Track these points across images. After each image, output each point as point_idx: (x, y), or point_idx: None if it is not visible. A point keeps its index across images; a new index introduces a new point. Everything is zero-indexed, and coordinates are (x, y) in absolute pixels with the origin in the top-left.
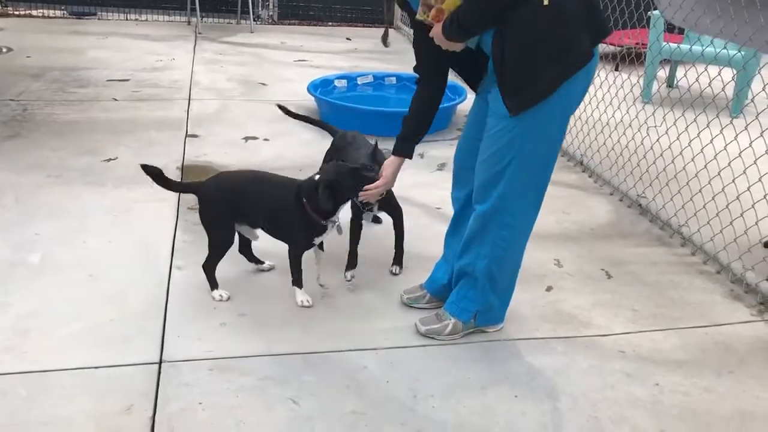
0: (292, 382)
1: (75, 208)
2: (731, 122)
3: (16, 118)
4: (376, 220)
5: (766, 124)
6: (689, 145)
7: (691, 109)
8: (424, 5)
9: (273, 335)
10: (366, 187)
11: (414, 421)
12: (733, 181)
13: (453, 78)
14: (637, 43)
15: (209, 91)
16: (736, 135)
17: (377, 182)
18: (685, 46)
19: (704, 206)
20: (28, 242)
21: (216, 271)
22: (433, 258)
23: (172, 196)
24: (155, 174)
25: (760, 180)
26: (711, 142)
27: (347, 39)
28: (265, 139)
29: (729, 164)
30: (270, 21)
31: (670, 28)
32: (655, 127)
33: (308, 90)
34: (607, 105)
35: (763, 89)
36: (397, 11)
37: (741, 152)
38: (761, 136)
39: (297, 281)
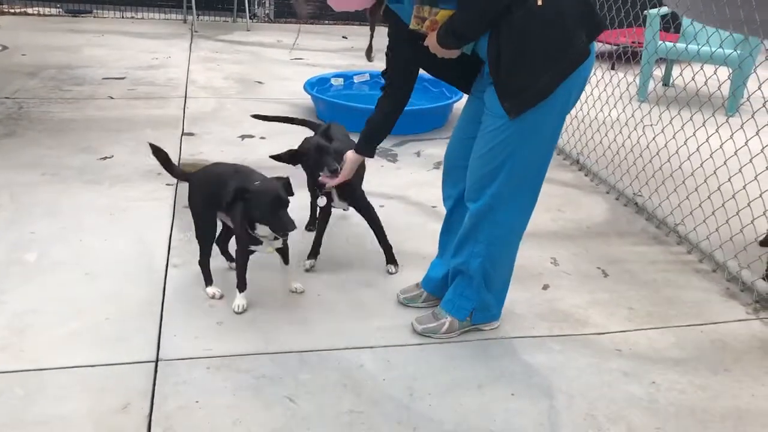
0: (289, 380)
1: (71, 206)
2: (727, 121)
3: (11, 116)
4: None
5: (761, 122)
6: (685, 144)
7: (686, 107)
8: (417, 17)
9: (269, 334)
10: (323, 179)
11: (411, 420)
12: (729, 179)
13: None
14: (633, 42)
15: (205, 90)
16: (732, 134)
17: (336, 178)
18: (681, 45)
19: (700, 205)
20: (24, 241)
21: (213, 270)
22: (429, 256)
23: (169, 194)
24: (163, 157)
25: (755, 178)
26: (707, 140)
27: (343, 37)
28: (262, 138)
29: (725, 163)
30: (266, 19)
31: (665, 27)
32: (651, 125)
33: (305, 88)
34: (603, 104)
35: (759, 88)
36: None
37: (737, 151)
38: (757, 134)
39: (238, 284)
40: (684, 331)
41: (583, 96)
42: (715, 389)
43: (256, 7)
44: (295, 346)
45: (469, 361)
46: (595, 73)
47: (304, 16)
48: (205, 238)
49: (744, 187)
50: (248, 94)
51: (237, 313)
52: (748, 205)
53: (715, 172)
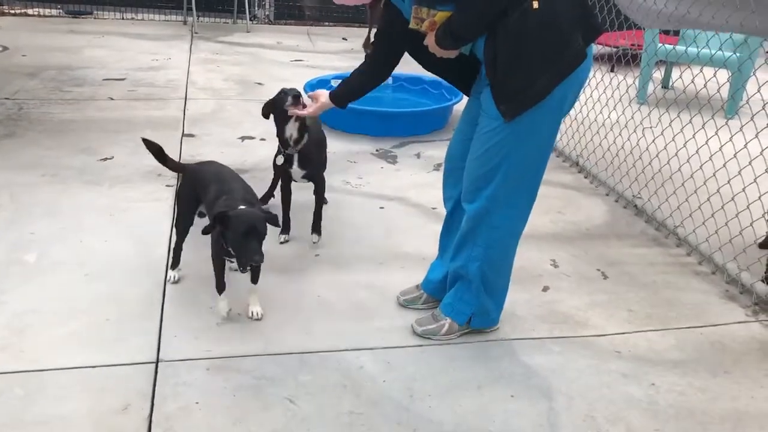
0: (289, 381)
1: (71, 207)
2: (726, 123)
3: (11, 116)
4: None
5: (761, 125)
6: (684, 147)
7: (686, 110)
8: (417, 18)
9: (269, 335)
10: (289, 108)
11: (410, 421)
12: (729, 182)
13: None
14: (632, 45)
15: (205, 91)
16: (732, 136)
17: (305, 110)
18: (680, 48)
19: (699, 207)
20: (24, 241)
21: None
22: (429, 258)
23: (168, 195)
24: (156, 150)
25: (755, 181)
26: (706, 143)
27: (343, 39)
28: (262, 139)
29: (724, 165)
30: (266, 21)
31: (665, 30)
32: (651, 128)
33: (304, 90)
34: (603, 106)
35: (758, 91)
36: None
37: (736, 153)
38: (756, 137)
39: (216, 286)
40: (683, 333)
41: (582, 98)
42: (714, 391)
43: (256, 8)
44: (295, 347)
45: (468, 362)
46: (594, 75)
47: (373, 25)
48: (180, 228)
49: (743, 190)
50: (248, 96)
51: (223, 316)
52: (748, 207)
53: (714, 175)
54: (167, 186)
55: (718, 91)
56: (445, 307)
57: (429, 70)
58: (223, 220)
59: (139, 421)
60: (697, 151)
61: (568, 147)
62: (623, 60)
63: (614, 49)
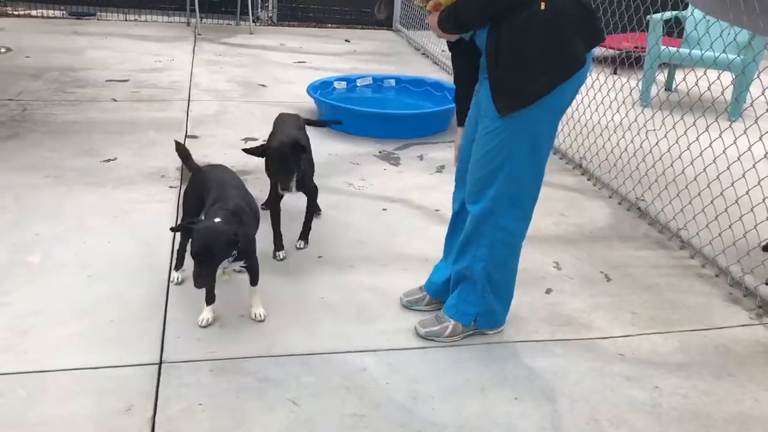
0: (292, 383)
1: (74, 208)
2: (730, 126)
3: (15, 118)
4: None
5: (764, 127)
6: (688, 149)
7: (689, 112)
8: None
9: (272, 336)
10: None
11: (413, 423)
12: (732, 184)
13: (452, 80)
14: (635, 47)
15: (209, 92)
16: (735, 139)
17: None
18: (683, 50)
19: (703, 210)
20: (28, 242)
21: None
22: (432, 260)
23: (172, 197)
24: (183, 152)
25: (759, 184)
26: (710, 145)
27: (346, 41)
28: (265, 141)
29: (728, 168)
30: (269, 22)
31: (668, 32)
32: (654, 130)
33: (308, 92)
34: (606, 108)
35: (762, 93)
36: (396, 13)
37: (740, 156)
38: (760, 140)
39: (206, 297)
40: (687, 335)
41: (585, 100)
42: (718, 394)
43: (259, 10)
44: (298, 349)
45: (472, 364)
46: (597, 78)
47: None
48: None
49: (747, 192)
50: (251, 97)
51: (201, 326)
52: (751, 210)
53: (718, 177)
54: (170, 187)
55: (722, 94)
56: (449, 309)
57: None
58: (187, 232)
59: (142, 422)
60: (700, 154)
61: (572, 149)
62: (626, 62)
63: (617, 52)
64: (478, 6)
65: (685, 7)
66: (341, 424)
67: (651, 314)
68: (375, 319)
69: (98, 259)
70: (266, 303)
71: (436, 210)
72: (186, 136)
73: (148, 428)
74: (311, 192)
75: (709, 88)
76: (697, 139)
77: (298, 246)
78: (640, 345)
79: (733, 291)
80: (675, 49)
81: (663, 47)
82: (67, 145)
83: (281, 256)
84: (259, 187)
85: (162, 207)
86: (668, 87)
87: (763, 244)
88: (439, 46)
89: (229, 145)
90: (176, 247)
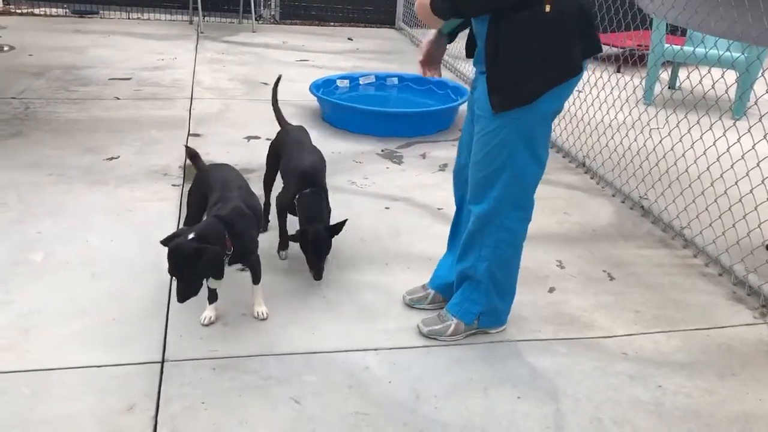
0: (295, 381)
1: (77, 206)
2: (734, 124)
3: (17, 116)
4: None
5: None
6: (692, 147)
7: (693, 111)
8: None
9: (275, 335)
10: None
11: (416, 422)
12: (736, 183)
13: (456, 79)
14: (639, 45)
15: (211, 91)
16: (739, 137)
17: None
18: (687, 48)
19: (707, 208)
20: (31, 241)
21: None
22: (435, 258)
23: (174, 195)
24: (191, 154)
25: (763, 182)
26: (714, 144)
27: (349, 39)
28: (268, 139)
29: (732, 166)
30: (272, 21)
31: (672, 30)
32: (658, 128)
33: (310, 90)
34: (610, 106)
35: (767, 91)
36: (399, 11)
37: (744, 155)
38: (764, 138)
39: (208, 295)
40: (690, 334)
41: (589, 99)
42: (721, 393)
43: (261, 8)
44: (301, 348)
45: (474, 363)
46: (601, 76)
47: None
48: (187, 225)
49: (751, 191)
50: (254, 96)
51: (203, 325)
52: (755, 209)
53: (721, 176)
54: (173, 185)
55: (726, 92)
56: (452, 307)
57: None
58: (165, 243)
59: (145, 420)
60: (704, 153)
61: (575, 147)
62: (630, 60)
63: (621, 50)
64: None
65: None
66: (343, 422)
67: (654, 313)
68: (377, 318)
69: (101, 258)
70: (268, 301)
71: (439, 208)
72: (189, 134)
73: (151, 427)
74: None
75: (713, 87)
76: (700, 138)
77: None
78: (643, 344)
79: (736, 290)
80: (679, 47)
81: (666, 45)
82: (69, 143)
83: (283, 256)
84: (262, 186)
85: (165, 205)
86: (672, 85)
87: (767, 243)
88: None
89: (232, 143)
90: None
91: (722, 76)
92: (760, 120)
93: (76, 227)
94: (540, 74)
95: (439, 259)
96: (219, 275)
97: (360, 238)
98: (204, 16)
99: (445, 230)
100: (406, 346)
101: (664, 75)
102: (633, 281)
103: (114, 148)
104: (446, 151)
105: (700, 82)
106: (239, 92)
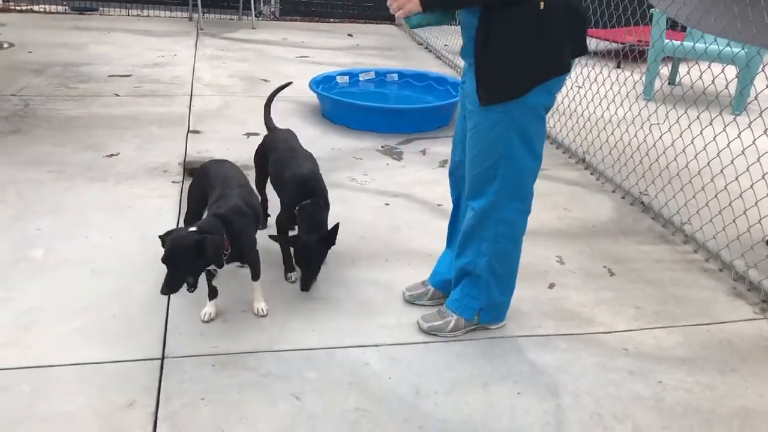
0: (295, 378)
1: (77, 203)
2: (734, 120)
3: (17, 113)
4: None
5: None
6: (692, 143)
7: (693, 106)
8: None
9: (275, 331)
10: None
11: (416, 418)
12: (736, 178)
13: (455, 75)
14: (639, 41)
15: (211, 87)
16: (739, 133)
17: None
18: (687, 44)
19: (707, 204)
20: (31, 238)
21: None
22: (435, 254)
23: (174, 191)
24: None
25: (763, 178)
26: (714, 139)
27: (349, 35)
28: None
29: (732, 162)
30: (271, 17)
31: (672, 26)
32: (658, 124)
33: (310, 86)
34: (610, 102)
35: (767, 86)
36: None
37: (744, 150)
38: (764, 133)
39: (208, 292)
40: (690, 330)
41: (589, 94)
42: (721, 389)
43: (261, 5)
44: (301, 344)
45: (474, 359)
46: (601, 72)
47: None
48: (188, 224)
49: (751, 186)
50: (254, 92)
51: (203, 321)
52: (756, 204)
53: (722, 171)
54: (173, 182)
55: (726, 88)
56: (451, 303)
57: None
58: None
59: (145, 417)
60: (704, 148)
61: (575, 143)
62: (630, 56)
63: (621, 45)
64: None
65: None
66: (344, 418)
67: (654, 309)
68: (377, 314)
69: (100, 255)
70: (268, 298)
71: (439, 204)
72: (188, 131)
73: (151, 423)
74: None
75: (713, 82)
76: (700, 133)
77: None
78: (643, 339)
79: (737, 285)
80: (679, 42)
81: (667, 41)
82: (69, 140)
83: (293, 279)
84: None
85: (164, 202)
86: (672, 81)
87: (767, 238)
88: (442, 40)
89: (232, 140)
90: None
91: (722, 72)
92: (760, 115)
93: (75, 224)
94: (528, 70)
95: (439, 255)
96: (219, 265)
97: (360, 235)
98: (204, 12)
99: (445, 226)
100: (406, 342)
101: (664, 70)
102: (633, 277)
103: (114, 145)
104: (446, 147)
105: (700, 78)
106: (239, 89)
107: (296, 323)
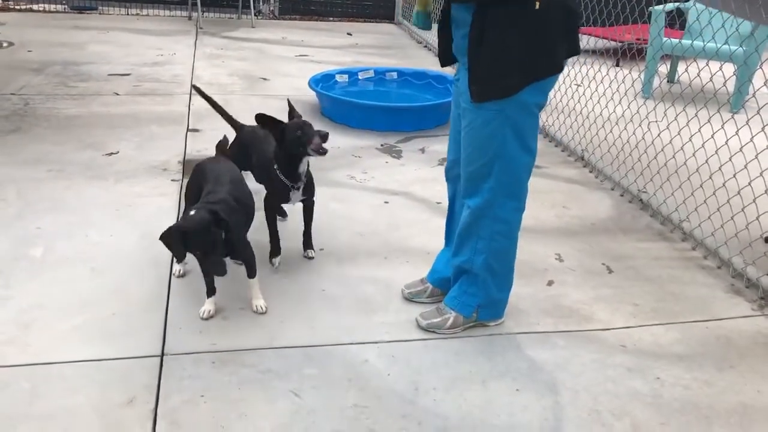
0: (294, 375)
1: (77, 202)
2: (732, 117)
3: (17, 112)
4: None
5: (767, 118)
6: (690, 141)
7: (692, 104)
8: None
9: (274, 328)
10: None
11: (415, 414)
12: (734, 176)
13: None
14: (638, 39)
15: (210, 86)
16: (737, 130)
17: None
18: (686, 42)
19: (705, 201)
20: (30, 236)
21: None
22: (434, 252)
23: (174, 190)
24: (220, 145)
25: (761, 175)
26: (712, 137)
27: (348, 34)
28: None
29: (730, 159)
30: (271, 16)
31: (670, 24)
32: (656, 122)
33: (309, 85)
34: (608, 100)
35: (765, 84)
36: (398, 6)
37: (742, 147)
38: (762, 131)
39: (207, 289)
40: (689, 327)
41: (588, 92)
42: (719, 385)
43: (260, 3)
44: (300, 341)
45: (473, 356)
46: (600, 70)
47: None
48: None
49: (749, 184)
50: (253, 91)
51: (203, 319)
52: (754, 201)
53: (720, 169)
54: (172, 180)
55: (724, 85)
56: (450, 301)
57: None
58: (166, 235)
59: (145, 414)
60: (702, 145)
61: (574, 141)
62: (628, 54)
63: (619, 44)
64: None
65: None
66: (343, 415)
67: (653, 306)
68: (376, 312)
69: (100, 253)
70: (267, 295)
71: (438, 202)
72: (188, 129)
73: (150, 420)
74: (313, 200)
75: (711, 80)
76: (699, 131)
77: (310, 256)
78: (641, 336)
79: (735, 282)
80: (677, 40)
81: (665, 39)
82: (69, 139)
83: (276, 263)
84: None
85: (164, 200)
86: (670, 79)
87: (765, 235)
88: None
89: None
90: None
91: (720, 69)
92: (758, 112)
93: (75, 223)
94: (521, 69)
95: (438, 253)
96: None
97: (359, 233)
98: (203, 11)
99: (444, 224)
100: (405, 339)
101: (663, 68)
102: (632, 274)
103: (113, 143)
104: (445, 146)
105: (698, 75)
106: (238, 87)
107: (295, 320)
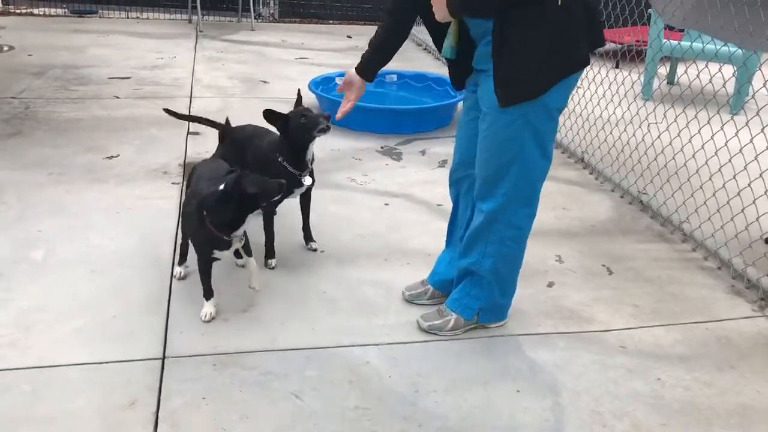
0: (295, 377)
1: (77, 205)
2: (732, 119)
3: (17, 116)
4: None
5: (766, 120)
6: (690, 142)
7: (691, 105)
8: None
9: (275, 330)
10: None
11: (416, 416)
12: (734, 177)
13: None
14: (637, 41)
15: (210, 89)
16: (737, 131)
17: (346, 107)
18: (685, 43)
19: (705, 202)
20: (31, 239)
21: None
22: (435, 254)
23: (174, 193)
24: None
25: (760, 176)
26: (712, 138)
27: (348, 37)
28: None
29: (729, 160)
30: (271, 19)
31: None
32: (656, 123)
33: (309, 88)
34: (608, 102)
35: (764, 86)
36: None
37: (741, 148)
38: (762, 132)
39: (204, 292)
40: (689, 328)
41: (587, 94)
42: (720, 386)
43: (260, 6)
44: (301, 343)
45: (474, 357)
46: (599, 71)
47: None
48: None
49: (749, 185)
50: (253, 94)
51: (204, 321)
52: (754, 202)
53: (720, 170)
54: (173, 183)
55: (724, 87)
56: (451, 303)
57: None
58: (206, 202)
59: (146, 416)
60: (702, 147)
61: (573, 143)
62: (628, 56)
63: (619, 45)
64: None
65: None
66: (344, 417)
67: (653, 307)
68: (377, 313)
69: (101, 255)
70: (268, 297)
71: (438, 205)
72: (188, 132)
73: (152, 422)
74: (310, 192)
75: (710, 81)
76: (698, 132)
77: (315, 248)
78: (642, 337)
79: (735, 283)
80: (676, 42)
81: (665, 40)
82: (69, 142)
83: (272, 265)
84: None
85: (164, 203)
86: (670, 80)
87: (766, 236)
88: None
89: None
90: (179, 242)
91: (720, 71)
92: (757, 114)
93: (76, 226)
94: (548, 67)
95: (438, 255)
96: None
97: (360, 234)
98: (203, 14)
99: (445, 226)
100: (406, 341)
101: (662, 70)
102: (632, 275)
103: (114, 146)
104: (445, 148)
105: (698, 77)
106: (238, 90)
107: (296, 322)
